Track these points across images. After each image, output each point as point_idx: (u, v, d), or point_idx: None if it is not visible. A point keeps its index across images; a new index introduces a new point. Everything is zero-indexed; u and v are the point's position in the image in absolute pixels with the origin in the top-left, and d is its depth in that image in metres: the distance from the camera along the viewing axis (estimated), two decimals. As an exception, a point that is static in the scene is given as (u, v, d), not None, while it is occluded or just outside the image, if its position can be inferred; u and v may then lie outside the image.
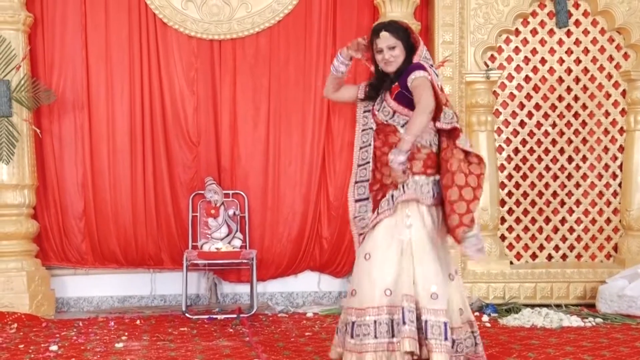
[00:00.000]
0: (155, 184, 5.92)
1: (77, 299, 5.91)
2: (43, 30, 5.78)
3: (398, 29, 3.69)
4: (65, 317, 5.50)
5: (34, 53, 5.71)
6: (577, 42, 6.09)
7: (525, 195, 6.10)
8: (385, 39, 3.65)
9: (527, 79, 6.09)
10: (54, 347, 4.20)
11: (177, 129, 5.94)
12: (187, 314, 5.38)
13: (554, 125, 6.10)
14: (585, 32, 6.09)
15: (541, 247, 6.11)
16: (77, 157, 5.86)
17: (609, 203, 6.10)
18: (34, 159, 5.64)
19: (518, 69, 6.10)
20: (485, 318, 5.22)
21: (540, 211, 6.10)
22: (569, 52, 6.09)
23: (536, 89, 6.10)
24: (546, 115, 6.10)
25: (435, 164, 3.67)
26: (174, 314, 5.48)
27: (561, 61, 6.09)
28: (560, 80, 6.09)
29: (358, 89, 3.94)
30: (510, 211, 6.11)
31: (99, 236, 5.86)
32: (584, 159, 6.10)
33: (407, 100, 3.61)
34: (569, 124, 6.10)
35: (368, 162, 3.80)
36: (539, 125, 6.10)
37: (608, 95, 6.09)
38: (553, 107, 6.09)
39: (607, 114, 6.10)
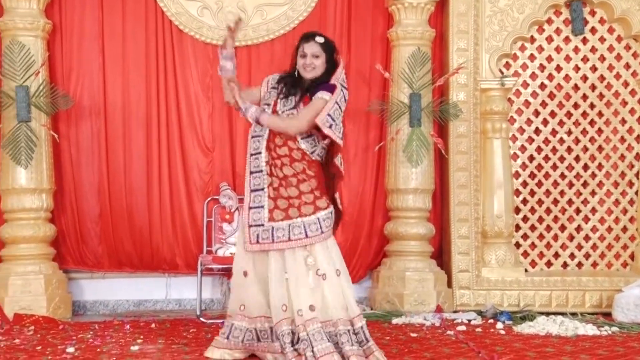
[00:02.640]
0: (171, 189, 5.95)
1: (93, 303, 5.95)
2: (61, 37, 5.84)
3: (327, 44, 3.91)
4: (81, 320, 5.53)
5: (52, 59, 5.77)
6: (593, 50, 6.08)
7: (540, 202, 6.08)
8: (313, 47, 3.87)
9: (542, 86, 6.09)
10: (70, 350, 4.23)
11: (193, 134, 5.99)
12: (201, 318, 5.40)
13: (569, 132, 6.09)
14: (602, 40, 6.08)
15: (556, 255, 6.09)
16: (94, 162, 5.91)
17: (625, 211, 6.07)
18: (52, 163, 5.69)
19: (533, 76, 6.10)
20: (499, 325, 5.20)
21: (556, 219, 6.08)
22: (584, 59, 6.08)
23: (551, 96, 6.09)
24: (562, 123, 6.09)
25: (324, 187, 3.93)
26: (189, 318, 5.50)
27: (577, 68, 6.09)
28: (576, 87, 6.08)
29: (261, 87, 4.06)
30: (525, 219, 6.09)
31: (115, 240, 5.90)
32: (600, 166, 6.08)
33: None
34: (584, 132, 6.08)
35: (260, 153, 3.90)
36: (554, 132, 6.09)
37: (624, 103, 6.08)
38: (569, 115, 6.09)
39: (623, 121, 6.08)
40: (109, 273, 5.98)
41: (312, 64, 3.87)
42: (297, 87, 3.93)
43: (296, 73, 3.96)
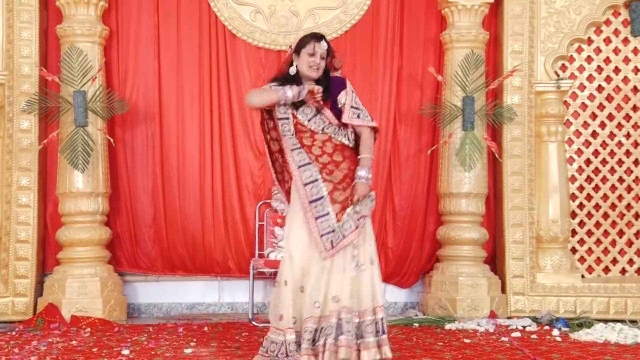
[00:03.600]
0: (224, 193, 6.00)
1: (147, 305, 6.04)
2: (118, 42, 5.94)
3: (330, 49, 3.96)
4: (136, 322, 5.62)
5: (108, 64, 5.87)
6: (653, 51, 5.94)
7: (597, 207, 5.96)
8: (323, 48, 3.90)
9: (599, 88, 5.96)
10: (125, 352, 4.29)
11: (245, 138, 6.02)
12: (253, 322, 5.41)
13: (628, 135, 5.95)
14: (662, 41, 5.93)
15: (614, 261, 5.96)
16: (148, 166, 5.99)
17: (686, 216, 5.90)
18: (107, 167, 5.79)
19: (590, 78, 5.97)
20: (555, 332, 5.10)
21: (614, 224, 5.95)
22: (644, 60, 5.94)
23: (609, 98, 5.96)
24: (620, 126, 5.96)
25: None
26: (241, 322, 5.53)
27: (636, 70, 5.95)
28: (635, 89, 5.94)
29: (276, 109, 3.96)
30: (581, 223, 5.97)
31: (169, 243, 5.97)
32: (660, 170, 5.92)
33: (337, 112, 3.93)
34: (644, 135, 5.94)
35: (310, 163, 3.87)
36: (612, 135, 5.96)
37: (685, 105, 5.91)
38: (627, 117, 5.95)
39: (684, 124, 5.92)
40: (162, 276, 6.05)
41: (319, 64, 3.89)
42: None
43: (292, 73, 3.90)
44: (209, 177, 5.99)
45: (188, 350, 4.39)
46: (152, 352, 4.33)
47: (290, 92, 3.85)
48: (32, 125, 5.66)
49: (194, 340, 4.76)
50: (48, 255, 5.87)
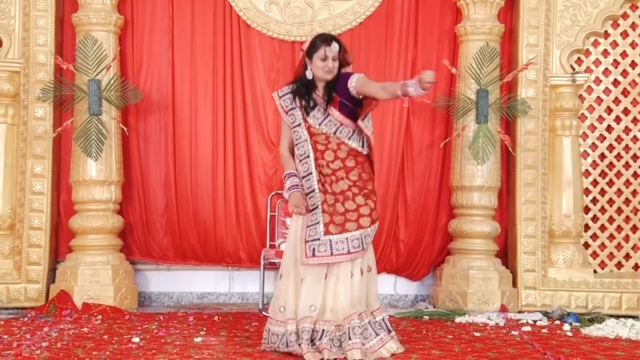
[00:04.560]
0: (235, 183, 6.01)
1: (158, 294, 6.06)
2: (132, 32, 5.95)
3: (342, 46, 3.97)
4: (147, 310, 5.65)
5: (123, 53, 5.89)
6: (671, 45, 5.88)
7: (611, 202, 5.92)
8: (334, 50, 3.92)
9: (615, 82, 5.92)
10: (136, 339, 4.31)
11: (258, 129, 6.02)
12: (263, 312, 5.42)
13: (643, 130, 5.91)
14: (680, 34, 5.87)
15: (627, 257, 5.93)
16: (161, 155, 6.01)
17: (700, 212, 5.85)
18: (121, 156, 5.81)
19: (606, 72, 5.93)
20: (566, 327, 5.08)
21: (627, 219, 5.91)
22: (661, 55, 5.89)
23: (625, 93, 5.91)
24: (635, 120, 5.91)
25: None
26: (251, 312, 5.55)
27: (653, 64, 5.89)
28: (652, 84, 5.89)
29: (288, 120, 4.04)
30: (594, 218, 5.94)
31: (180, 233, 5.99)
32: (675, 166, 5.87)
33: (349, 111, 3.94)
34: (660, 130, 5.89)
35: (311, 173, 3.94)
36: (627, 130, 5.91)
37: (702, 100, 5.86)
38: (643, 112, 5.90)
39: (700, 119, 5.86)
40: (173, 265, 6.08)
41: (332, 67, 3.92)
42: (311, 94, 3.97)
43: (310, 77, 3.96)
44: (221, 167, 6.00)
45: (198, 339, 4.41)
46: (162, 340, 4.35)
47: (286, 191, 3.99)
48: (47, 113, 5.69)
49: (204, 329, 4.79)
50: (61, 242, 5.91)
